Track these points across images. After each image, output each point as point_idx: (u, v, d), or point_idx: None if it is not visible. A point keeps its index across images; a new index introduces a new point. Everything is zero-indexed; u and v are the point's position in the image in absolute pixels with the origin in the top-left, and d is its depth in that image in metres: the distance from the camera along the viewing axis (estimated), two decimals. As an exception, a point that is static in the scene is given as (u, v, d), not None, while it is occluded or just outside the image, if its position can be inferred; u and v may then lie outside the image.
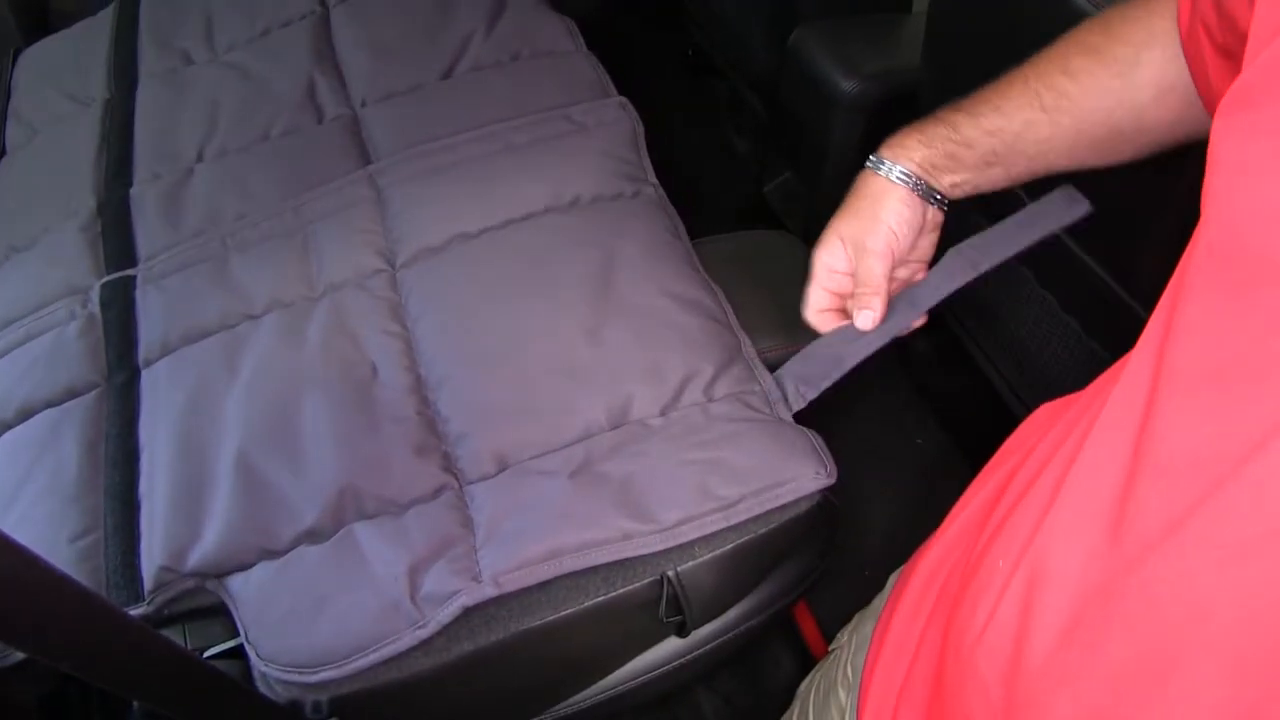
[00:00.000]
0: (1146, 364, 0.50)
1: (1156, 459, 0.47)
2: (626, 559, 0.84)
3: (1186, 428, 0.46)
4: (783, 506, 0.86)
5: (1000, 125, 0.81)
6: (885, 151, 0.86)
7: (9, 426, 1.05)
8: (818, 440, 0.90)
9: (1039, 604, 0.51)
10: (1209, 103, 0.70)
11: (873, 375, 1.31)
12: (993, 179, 0.85)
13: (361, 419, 0.94)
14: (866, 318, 0.89)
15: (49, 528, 0.94)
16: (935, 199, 0.87)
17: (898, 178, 0.85)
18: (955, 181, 0.86)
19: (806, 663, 1.38)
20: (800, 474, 0.87)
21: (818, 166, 1.56)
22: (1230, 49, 0.65)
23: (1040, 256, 1.19)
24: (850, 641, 0.84)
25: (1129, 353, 0.55)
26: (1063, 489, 0.52)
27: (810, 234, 1.30)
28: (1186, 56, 0.70)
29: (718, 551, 0.85)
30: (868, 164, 0.87)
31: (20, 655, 0.80)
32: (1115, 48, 0.75)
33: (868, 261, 0.87)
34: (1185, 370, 0.47)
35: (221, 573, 0.88)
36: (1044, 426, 0.66)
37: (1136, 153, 0.80)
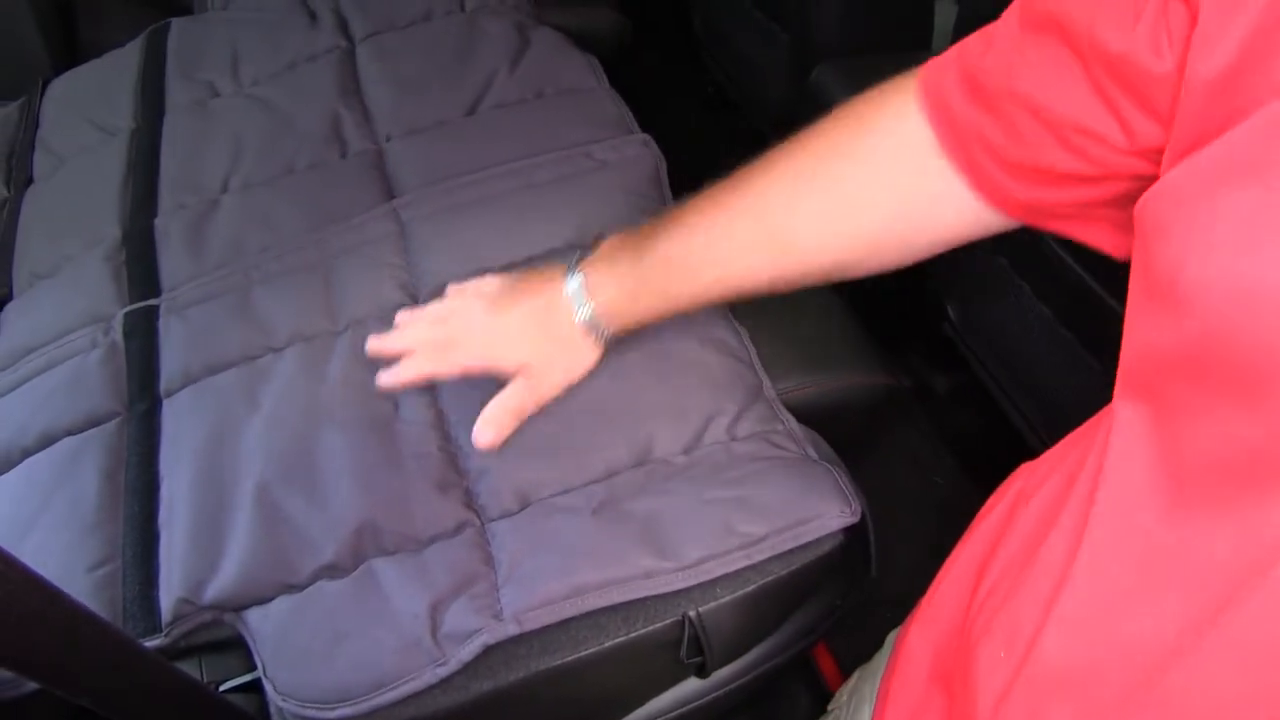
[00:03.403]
0: (1138, 455, 0.49)
1: (1174, 564, 0.46)
2: (648, 599, 0.83)
3: (1206, 533, 0.45)
4: (806, 546, 0.86)
5: (697, 227, 0.78)
6: (588, 283, 0.85)
7: (29, 453, 1.05)
8: (843, 477, 0.90)
9: (1047, 713, 0.50)
10: (990, 194, 0.65)
11: (891, 415, 1.30)
12: (686, 306, 0.84)
13: (382, 454, 0.93)
14: (487, 436, 0.89)
15: (67, 556, 0.94)
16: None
17: (586, 323, 0.86)
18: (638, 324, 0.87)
19: (824, 703, 1.37)
20: (825, 511, 0.86)
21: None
22: (1019, 164, 0.61)
23: (1060, 294, 1.19)
24: (849, 702, 0.83)
25: (1101, 419, 0.54)
26: (1065, 588, 0.51)
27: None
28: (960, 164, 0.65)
29: (740, 592, 0.85)
30: (568, 282, 0.86)
31: (34, 686, 0.80)
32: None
33: (523, 397, 0.89)
34: (1199, 472, 0.46)
35: (239, 606, 0.88)
36: (1022, 489, 0.65)
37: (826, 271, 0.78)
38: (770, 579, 0.85)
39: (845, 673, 1.37)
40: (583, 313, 0.85)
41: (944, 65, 0.66)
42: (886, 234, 0.72)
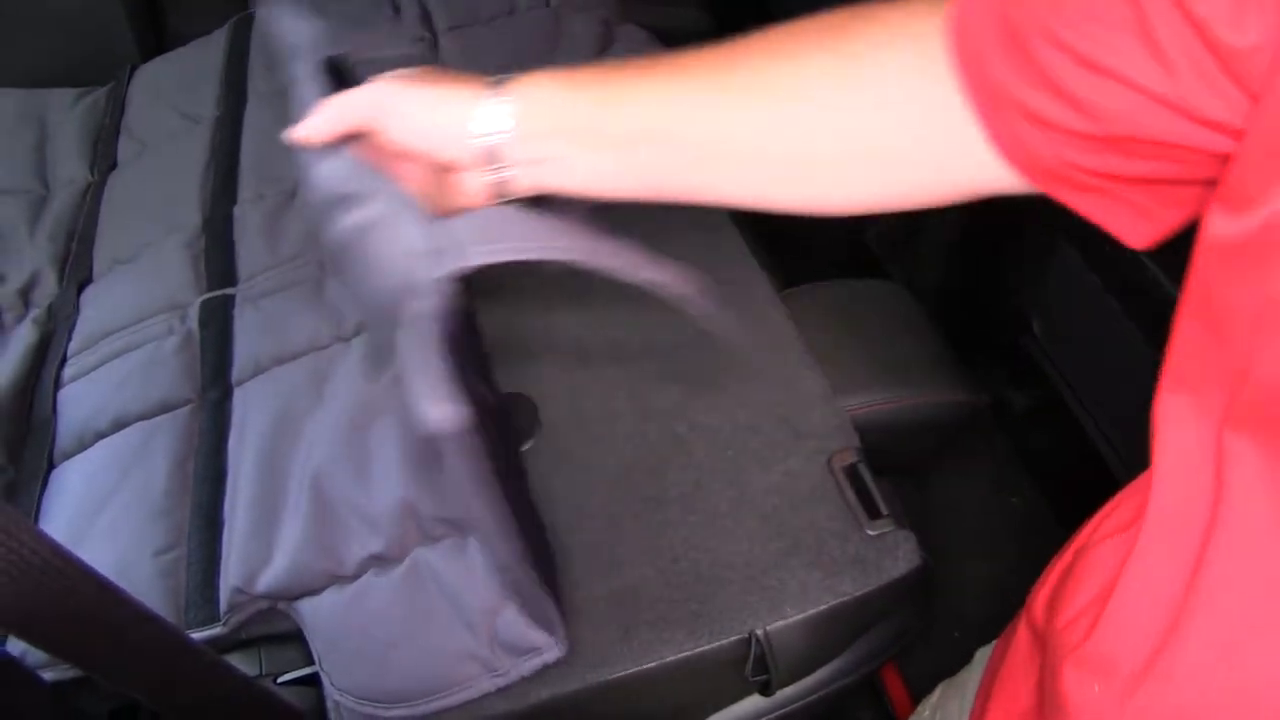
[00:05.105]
0: (1261, 491, 0.44)
1: None
2: (714, 614, 0.81)
3: None
4: (880, 570, 0.83)
5: (673, 78, 0.61)
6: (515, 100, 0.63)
7: (102, 435, 1.06)
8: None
9: None
10: (1010, 152, 0.55)
11: (969, 432, 1.27)
12: (639, 176, 0.64)
13: (431, 445, 0.92)
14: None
15: (134, 539, 0.94)
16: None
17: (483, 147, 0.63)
18: (577, 169, 0.64)
19: (889, 726, 1.34)
20: None
21: (920, 211, 1.53)
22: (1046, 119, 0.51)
23: (1152, 314, 1.14)
24: (934, 717, 0.80)
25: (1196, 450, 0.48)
26: (1186, 624, 0.47)
27: (913, 282, 1.27)
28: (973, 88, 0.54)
29: (810, 612, 0.82)
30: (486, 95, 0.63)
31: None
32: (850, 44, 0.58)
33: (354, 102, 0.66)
34: None
35: (292, 596, 0.87)
36: (1110, 517, 0.61)
37: (842, 197, 0.62)
38: (841, 600, 0.82)
39: (913, 694, 1.34)
40: (490, 119, 0.63)
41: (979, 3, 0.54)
42: (876, 159, 0.60)
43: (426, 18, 1.48)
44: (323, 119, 0.66)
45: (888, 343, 1.00)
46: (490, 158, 0.63)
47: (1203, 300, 0.46)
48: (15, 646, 0.84)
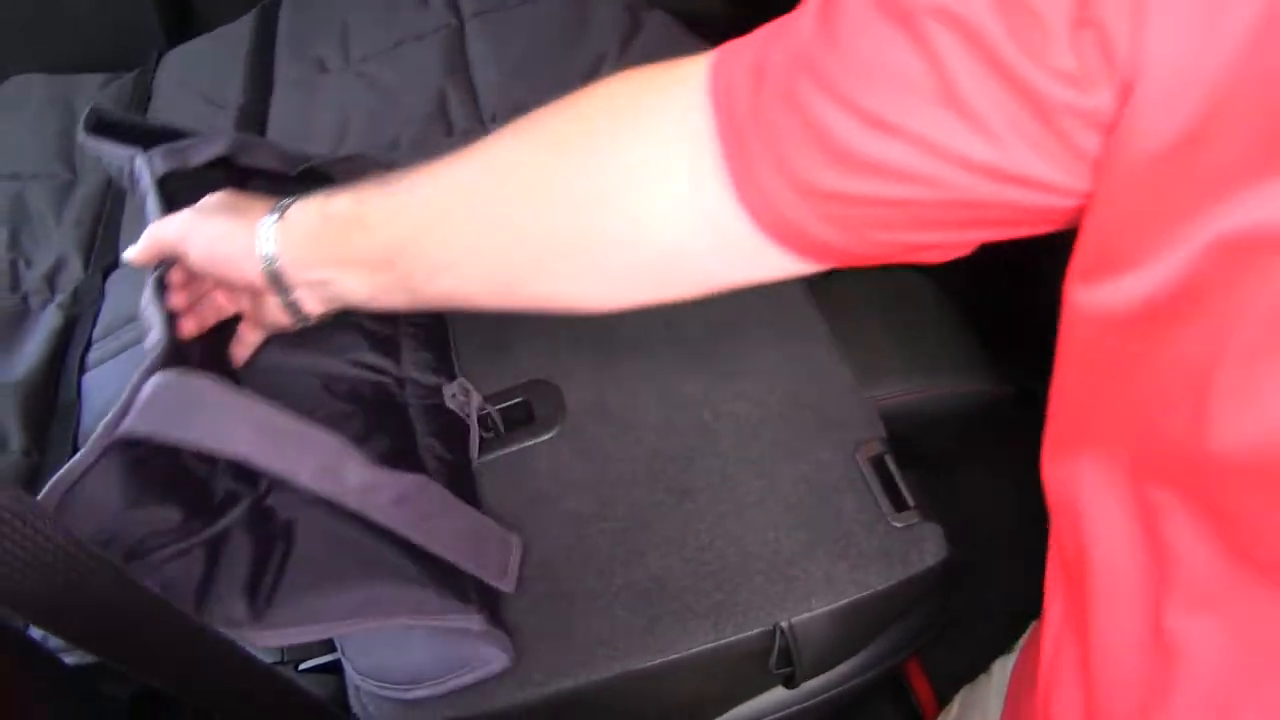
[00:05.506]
0: (1202, 545, 0.40)
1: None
2: (739, 605, 0.81)
3: None
4: (906, 562, 0.82)
5: (406, 202, 0.60)
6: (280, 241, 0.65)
7: (125, 423, 1.05)
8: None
9: None
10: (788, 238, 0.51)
11: (997, 422, 1.25)
12: (401, 290, 0.64)
13: None
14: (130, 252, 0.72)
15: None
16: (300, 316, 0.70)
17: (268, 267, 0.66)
18: (344, 295, 0.67)
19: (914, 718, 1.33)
20: None
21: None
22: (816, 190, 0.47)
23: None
24: None
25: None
26: (1173, 687, 0.45)
27: (940, 273, 1.25)
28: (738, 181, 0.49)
29: (836, 604, 0.81)
30: (270, 224, 0.66)
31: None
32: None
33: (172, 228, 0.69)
34: None
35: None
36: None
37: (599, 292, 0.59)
38: (868, 592, 0.81)
39: (938, 689, 1.32)
40: (265, 248, 0.66)
41: (743, 49, 0.51)
42: (615, 260, 0.55)
43: (453, 3, 1.48)
44: (141, 243, 0.71)
45: (915, 332, 0.98)
46: (275, 282, 0.66)
47: (1090, 363, 0.44)
48: (37, 630, 0.84)
